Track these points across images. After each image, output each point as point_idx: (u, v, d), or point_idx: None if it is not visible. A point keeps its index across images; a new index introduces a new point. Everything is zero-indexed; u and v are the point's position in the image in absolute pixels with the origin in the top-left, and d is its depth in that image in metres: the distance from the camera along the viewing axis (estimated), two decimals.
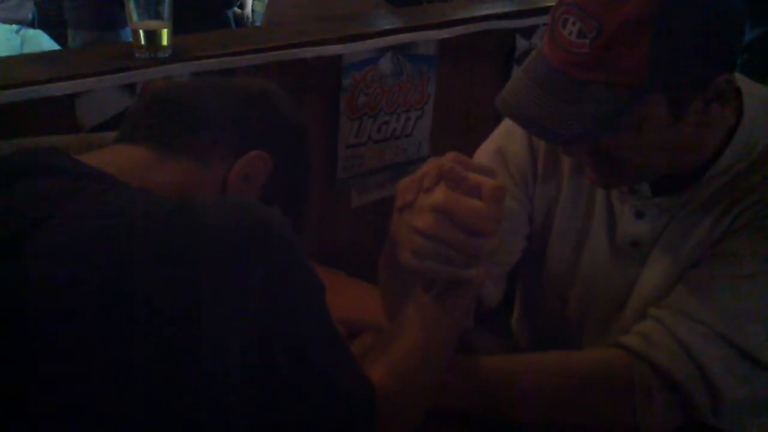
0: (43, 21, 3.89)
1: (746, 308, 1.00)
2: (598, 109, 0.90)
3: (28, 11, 3.83)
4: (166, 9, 1.49)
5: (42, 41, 3.72)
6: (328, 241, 1.95)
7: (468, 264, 0.86)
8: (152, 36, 1.51)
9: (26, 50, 3.58)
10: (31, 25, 3.83)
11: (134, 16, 1.49)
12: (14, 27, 3.71)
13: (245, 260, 0.69)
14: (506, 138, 1.21)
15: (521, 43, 2.29)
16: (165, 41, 1.52)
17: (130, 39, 1.54)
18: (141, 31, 1.50)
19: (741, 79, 1.03)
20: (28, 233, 0.68)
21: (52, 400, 0.65)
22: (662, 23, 0.86)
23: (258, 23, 4.50)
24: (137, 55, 1.51)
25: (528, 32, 2.30)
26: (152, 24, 1.50)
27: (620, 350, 1.03)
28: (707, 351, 0.99)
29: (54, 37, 3.74)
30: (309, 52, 1.73)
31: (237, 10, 4.41)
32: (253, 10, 4.67)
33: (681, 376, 0.99)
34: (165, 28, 1.51)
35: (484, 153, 1.23)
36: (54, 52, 2.80)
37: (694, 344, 0.99)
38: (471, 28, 2.10)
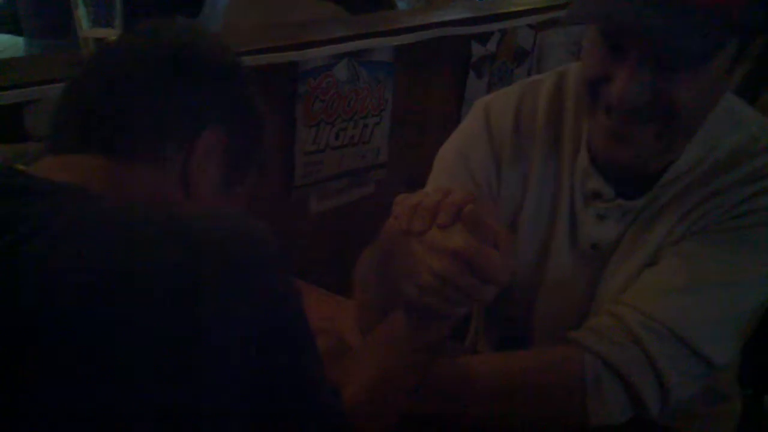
0: None
1: (702, 309, 1.01)
2: (710, 34, 0.90)
3: None
4: (116, 16, 1.46)
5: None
6: (286, 248, 1.93)
7: (467, 304, 0.86)
8: (102, 43, 1.48)
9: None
10: None
11: (84, 24, 1.46)
12: None
13: (243, 282, 0.68)
14: (469, 142, 1.20)
15: (477, 49, 2.30)
16: None
17: None
18: (91, 39, 1.47)
19: None
20: (22, 244, 0.65)
21: (50, 408, 0.63)
22: None
23: None
24: None
25: (484, 39, 2.31)
26: (102, 32, 1.47)
27: (572, 346, 1.03)
28: (659, 347, 0.99)
29: None
30: (264, 59, 1.72)
31: None
32: None
33: (632, 371, 1.00)
34: (115, 35, 1.48)
35: (447, 157, 1.22)
36: (1, 60, 2.74)
37: (647, 340, 0.99)
38: (427, 34, 2.10)
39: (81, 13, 1.45)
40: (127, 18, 1.48)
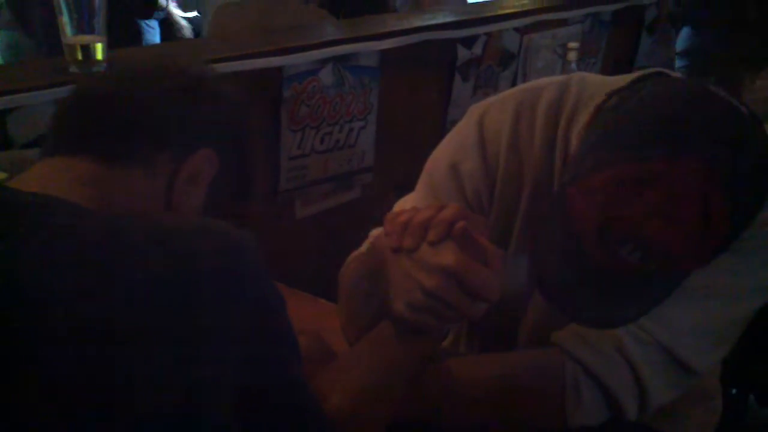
0: None
1: (689, 319, 1.00)
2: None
3: None
4: (100, 22, 1.47)
5: None
6: (271, 252, 1.93)
7: (457, 320, 0.86)
8: (87, 50, 1.48)
9: None
10: None
11: (68, 31, 1.46)
12: None
13: (229, 292, 0.68)
14: (460, 153, 1.16)
15: (463, 53, 2.31)
16: (100, 55, 1.49)
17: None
18: (75, 46, 1.47)
19: None
20: (10, 256, 0.65)
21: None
22: None
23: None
24: (71, 69, 1.48)
25: (469, 42, 2.32)
26: (86, 38, 1.47)
27: (554, 349, 1.03)
28: (642, 356, 0.99)
29: None
30: (248, 64, 1.72)
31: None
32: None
33: (612, 379, 0.99)
34: (99, 42, 1.48)
35: (437, 165, 1.18)
36: None
37: (631, 347, 0.99)
38: (412, 38, 2.11)
39: (65, 21, 1.45)
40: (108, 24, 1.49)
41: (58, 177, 0.80)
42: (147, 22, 3.58)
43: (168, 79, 0.88)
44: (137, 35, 3.36)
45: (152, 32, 3.73)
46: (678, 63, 3.36)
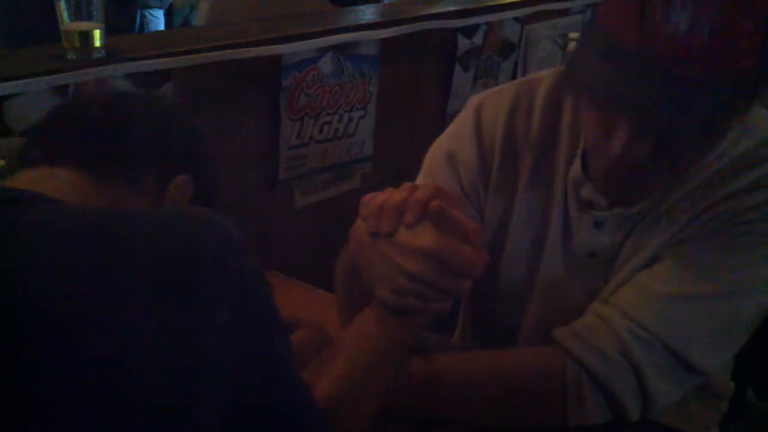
0: None
1: (697, 320, 0.98)
2: (719, 105, 0.85)
3: None
4: (98, 9, 1.45)
5: None
6: (270, 242, 1.93)
7: (444, 299, 0.86)
8: (85, 37, 1.47)
9: None
10: None
11: (65, 18, 1.45)
12: None
13: (216, 281, 0.68)
14: (457, 142, 1.17)
15: (463, 42, 2.30)
16: (98, 42, 1.48)
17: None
18: (73, 33, 1.46)
19: None
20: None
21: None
22: None
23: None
24: (69, 56, 1.47)
25: (470, 32, 2.30)
26: (84, 25, 1.46)
27: (555, 349, 1.01)
28: (648, 358, 0.97)
29: None
30: (247, 53, 1.71)
31: None
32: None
33: (614, 381, 0.98)
34: (97, 28, 1.47)
35: (435, 156, 1.19)
36: None
37: (636, 349, 0.97)
38: (412, 27, 2.10)
39: (62, 7, 1.44)
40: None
41: (46, 183, 0.81)
42: (151, 11, 3.59)
43: (150, 106, 0.96)
44: (141, 25, 3.38)
45: (156, 21, 3.74)
46: None
